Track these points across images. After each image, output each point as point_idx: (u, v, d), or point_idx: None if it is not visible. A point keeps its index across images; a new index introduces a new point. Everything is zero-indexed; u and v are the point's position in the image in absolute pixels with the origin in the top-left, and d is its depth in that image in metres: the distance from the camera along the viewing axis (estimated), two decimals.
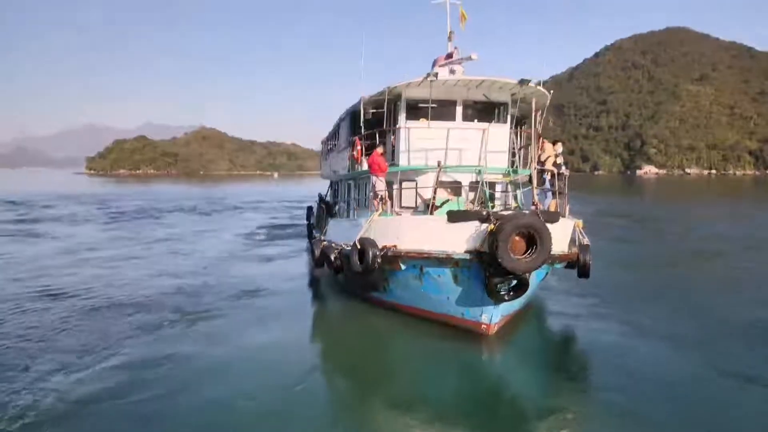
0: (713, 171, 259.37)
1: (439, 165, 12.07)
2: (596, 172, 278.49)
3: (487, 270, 10.21)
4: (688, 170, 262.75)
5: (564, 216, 12.13)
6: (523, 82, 12.78)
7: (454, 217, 10.65)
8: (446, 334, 10.97)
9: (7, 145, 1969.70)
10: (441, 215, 11.12)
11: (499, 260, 9.69)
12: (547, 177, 13.02)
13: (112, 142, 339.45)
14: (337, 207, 19.61)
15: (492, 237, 9.86)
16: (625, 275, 17.84)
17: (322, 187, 25.83)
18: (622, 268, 18.72)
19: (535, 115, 14.19)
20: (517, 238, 9.91)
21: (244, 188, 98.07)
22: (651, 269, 19.14)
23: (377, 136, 13.86)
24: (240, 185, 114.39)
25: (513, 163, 14.18)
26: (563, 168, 13.29)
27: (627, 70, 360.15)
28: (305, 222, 25.68)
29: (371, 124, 14.25)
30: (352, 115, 15.34)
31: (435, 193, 12.10)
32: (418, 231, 11.34)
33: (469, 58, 13.98)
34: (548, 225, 10.17)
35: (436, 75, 12.69)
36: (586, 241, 12.32)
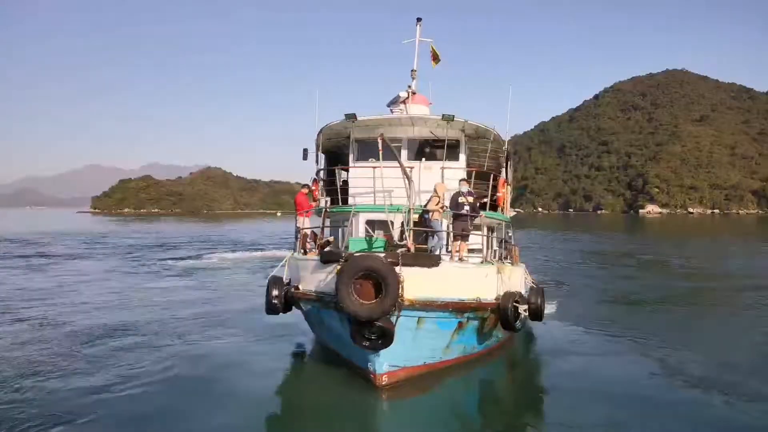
0: (716, 210, 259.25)
1: (326, 205, 12.36)
2: (599, 212, 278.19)
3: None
4: (691, 210, 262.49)
5: (508, 261, 12.29)
6: (445, 117, 12.07)
7: (326, 257, 10.05)
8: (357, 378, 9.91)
9: (11, 185, 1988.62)
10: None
11: (340, 303, 8.93)
12: (430, 216, 11.19)
13: (117, 181, 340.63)
14: None
15: (338, 278, 9.11)
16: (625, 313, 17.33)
17: None
18: (620, 305, 18.33)
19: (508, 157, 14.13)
20: (368, 281, 8.91)
21: (252, 226, 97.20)
22: (652, 306, 18.60)
23: (319, 174, 13.78)
24: (245, 223, 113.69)
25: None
26: (465, 208, 11.28)
27: (627, 111, 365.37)
28: None
29: (333, 162, 14.02)
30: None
31: (322, 232, 12.22)
32: (308, 271, 10.77)
33: (398, 97, 13.79)
34: (420, 269, 9.35)
35: (354, 116, 12.24)
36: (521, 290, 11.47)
